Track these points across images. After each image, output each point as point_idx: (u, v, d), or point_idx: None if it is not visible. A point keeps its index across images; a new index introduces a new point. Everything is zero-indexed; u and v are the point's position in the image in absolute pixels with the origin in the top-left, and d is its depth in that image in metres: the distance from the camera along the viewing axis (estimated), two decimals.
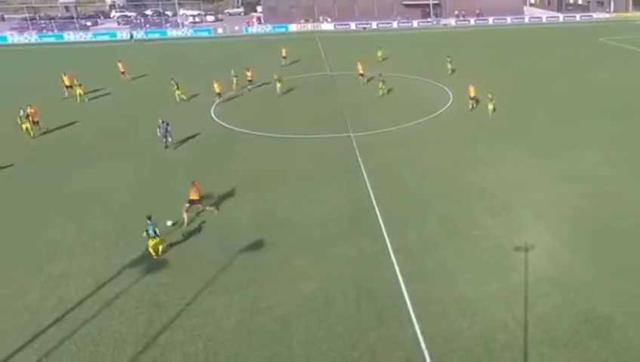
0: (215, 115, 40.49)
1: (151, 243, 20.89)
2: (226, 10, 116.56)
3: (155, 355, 15.88)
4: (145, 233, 20.66)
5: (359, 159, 30.74)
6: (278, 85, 46.02)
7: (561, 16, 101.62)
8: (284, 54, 60.65)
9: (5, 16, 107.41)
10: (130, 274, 20.00)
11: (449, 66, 52.77)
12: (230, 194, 26.54)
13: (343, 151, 32.24)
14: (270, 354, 15.82)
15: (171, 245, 21.99)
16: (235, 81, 47.53)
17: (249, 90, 47.50)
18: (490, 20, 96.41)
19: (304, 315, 17.47)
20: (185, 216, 23.34)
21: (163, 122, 33.54)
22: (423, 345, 16.00)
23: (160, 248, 21.40)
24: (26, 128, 36.03)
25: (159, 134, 33.44)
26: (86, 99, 45.15)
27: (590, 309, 17.52)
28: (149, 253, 21.01)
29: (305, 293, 18.60)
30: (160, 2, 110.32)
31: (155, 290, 18.97)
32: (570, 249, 21.17)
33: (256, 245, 21.70)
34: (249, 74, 47.67)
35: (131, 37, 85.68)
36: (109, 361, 15.70)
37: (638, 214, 23.78)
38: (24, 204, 26.41)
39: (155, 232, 20.73)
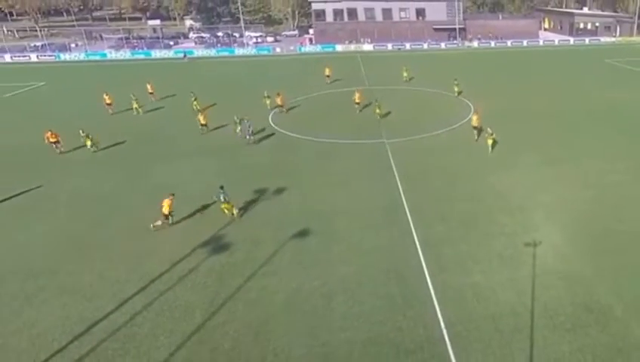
0: (273, 122, 40.47)
1: (223, 205, 22.66)
2: (283, 32, 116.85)
3: (219, 321, 16.21)
4: (217, 198, 22.64)
5: (392, 162, 30.43)
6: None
7: (571, 40, 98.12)
8: (327, 73, 57.53)
9: (105, 35, 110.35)
10: (201, 254, 20.30)
11: (456, 89, 48.78)
12: (282, 188, 26.61)
13: (378, 155, 31.93)
14: (312, 326, 15.94)
15: (233, 231, 22.16)
16: (268, 103, 43.81)
17: (283, 111, 43.28)
18: (509, 43, 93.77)
19: (342, 294, 17.51)
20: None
21: (247, 121, 34.81)
22: (442, 324, 15.87)
23: (233, 211, 23.08)
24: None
25: (238, 131, 34.72)
26: (141, 112, 44.15)
27: (591, 300, 17.03)
28: (224, 213, 22.84)
29: (343, 276, 18.60)
30: (229, 25, 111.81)
31: (220, 268, 19.27)
32: (575, 246, 20.54)
33: (303, 233, 21.76)
34: (278, 100, 42.95)
35: (184, 55, 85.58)
36: (182, 325, 16.06)
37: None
38: (120, 191, 27.14)
39: (224, 199, 22.54)
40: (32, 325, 16.22)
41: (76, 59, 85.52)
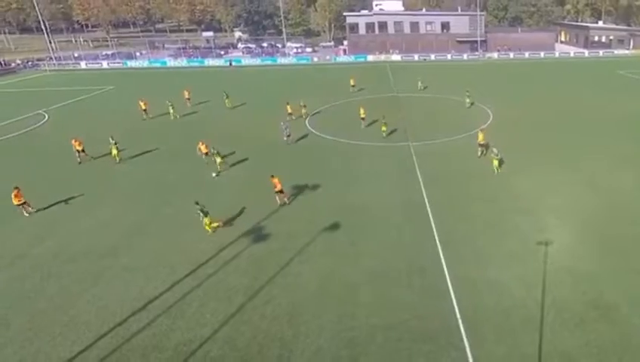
0: (309, 125, 40.38)
1: (205, 221, 20.90)
2: (320, 43, 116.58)
3: (258, 304, 16.30)
4: (197, 214, 20.79)
5: (415, 163, 29.91)
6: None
7: (586, 52, 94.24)
8: (352, 83, 55.63)
9: (166, 45, 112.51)
10: (242, 243, 20.40)
11: (467, 100, 45.83)
12: (316, 185, 26.53)
13: (403, 157, 31.41)
14: (340, 311, 15.84)
15: (271, 224, 22.17)
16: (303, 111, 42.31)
17: (293, 119, 40.92)
18: (527, 54, 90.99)
19: (367, 284, 17.35)
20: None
21: (283, 123, 35.03)
22: (457, 315, 15.57)
23: (215, 225, 21.22)
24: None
25: (283, 132, 34.33)
26: (178, 116, 43.31)
27: (598, 298, 16.38)
28: (207, 230, 21.03)
29: (368, 267, 18.43)
30: (273, 37, 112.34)
31: (259, 256, 19.31)
32: (585, 247, 19.76)
33: (333, 226, 21.61)
34: (289, 108, 41.47)
35: (230, 64, 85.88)
36: (225, 305, 16.24)
37: None
38: (178, 185, 27.53)
39: (203, 213, 20.74)
40: (99, 300, 16.69)
41: (140, 66, 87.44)
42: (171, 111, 43.26)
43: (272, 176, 23.46)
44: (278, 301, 16.40)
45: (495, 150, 27.66)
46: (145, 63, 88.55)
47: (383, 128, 35.23)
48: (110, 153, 31.10)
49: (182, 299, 16.57)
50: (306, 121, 41.17)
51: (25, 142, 36.69)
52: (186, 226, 21.82)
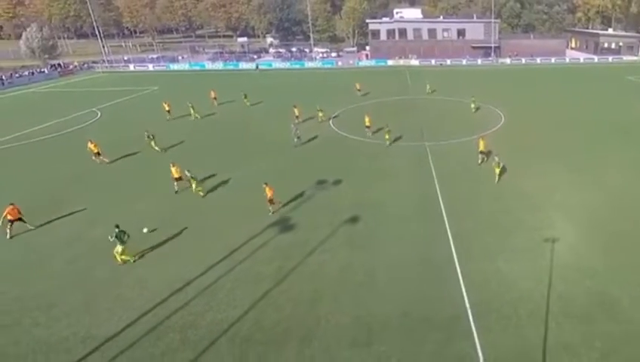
0: (333, 125, 39.97)
1: (118, 249, 17.63)
2: (344, 48, 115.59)
3: (283, 289, 16.34)
4: (111, 238, 17.64)
5: (430, 162, 29.41)
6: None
7: (596, 58, 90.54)
8: (358, 87, 53.67)
9: (205, 50, 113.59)
10: (270, 233, 20.37)
11: (472, 105, 43.45)
12: (338, 180, 26.34)
13: (419, 155, 30.90)
14: (358, 298, 15.77)
15: (297, 215, 22.08)
16: (320, 115, 40.66)
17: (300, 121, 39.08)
18: (538, 60, 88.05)
19: (384, 273, 17.20)
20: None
21: (293, 125, 34.57)
22: (467, 305, 15.29)
23: (129, 258, 17.92)
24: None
25: (293, 134, 33.31)
26: (198, 116, 42.52)
27: (602, 293, 15.87)
28: (116, 260, 17.79)
29: (385, 257, 18.25)
30: (301, 42, 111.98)
31: (285, 245, 19.29)
32: (590, 244, 19.12)
33: (352, 219, 21.43)
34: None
35: (256, 67, 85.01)
36: (253, 289, 16.29)
37: None
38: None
39: (119, 239, 17.59)
40: (141, 280, 16.96)
41: (182, 68, 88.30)
42: (192, 111, 42.63)
43: (266, 184, 21.49)
44: (302, 287, 16.40)
45: (497, 158, 25.59)
46: (186, 66, 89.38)
47: (387, 136, 32.78)
48: (150, 146, 32.00)
49: (215, 282, 16.72)
50: (330, 122, 40.78)
51: (80, 137, 37.51)
52: (222, 213, 22.02)
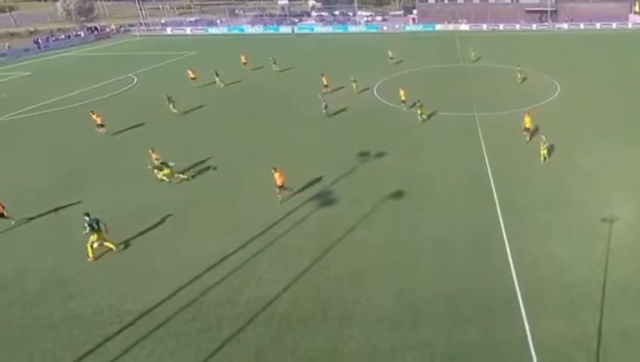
0: (376, 93, 38.63)
1: (92, 238, 16.40)
2: (390, 12, 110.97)
3: (323, 266, 16.13)
4: (84, 228, 16.37)
5: (480, 134, 27.96)
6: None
7: None
8: (390, 55, 51.27)
9: (245, 12, 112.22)
10: (310, 206, 20.07)
11: (519, 75, 40.57)
12: (382, 153, 25.54)
13: (468, 127, 29.36)
14: (401, 277, 15.37)
15: (339, 188, 21.65)
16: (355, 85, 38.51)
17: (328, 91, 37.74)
18: (598, 25, 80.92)
19: (429, 252, 16.69)
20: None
21: (321, 96, 33.74)
22: (517, 287, 14.64)
23: (110, 246, 16.83)
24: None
25: (322, 105, 32.13)
26: (222, 85, 41.64)
27: None
28: (88, 251, 16.52)
29: (430, 235, 17.68)
30: (345, 5, 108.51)
31: (325, 220, 18.96)
32: None
33: (397, 194, 20.80)
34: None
35: (292, 31, 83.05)
36: (292, 265, 16.13)
37: None
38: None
39: (93, 227, 16.30)
40: (178, 255, 16.90)
41: (220, 32, 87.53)
42: (217, 79, 41.89)
43: (275, 169, 19.85)
44: (342, 264, 16.15)
45: (544, 137, 23.76)
46: (224, 30, 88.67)
47: (419, 112, 30.24)
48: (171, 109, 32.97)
49: (254, 256, 16.64)
50: (372, 90, 39.40)
51: (118, 102, 38.18)
52: (261, 188, 21.53)
